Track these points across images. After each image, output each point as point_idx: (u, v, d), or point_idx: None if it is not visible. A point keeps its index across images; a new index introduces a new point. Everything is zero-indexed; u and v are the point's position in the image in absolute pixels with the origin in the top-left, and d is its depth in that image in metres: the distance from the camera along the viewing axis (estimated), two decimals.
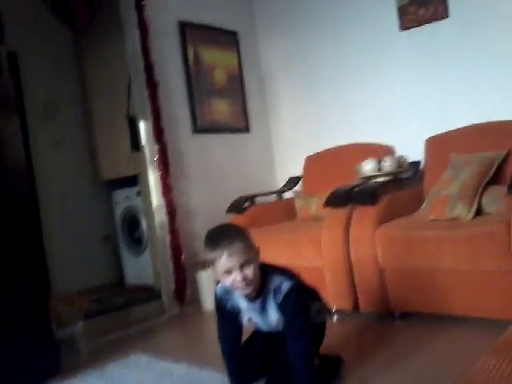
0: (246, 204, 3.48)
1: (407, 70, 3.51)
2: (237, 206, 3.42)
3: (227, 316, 1.89)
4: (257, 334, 2.00)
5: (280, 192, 3.86)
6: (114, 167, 4.49)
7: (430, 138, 3.20)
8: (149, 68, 3.45)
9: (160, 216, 3.50)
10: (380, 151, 3.34)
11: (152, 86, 3.44)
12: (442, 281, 2.41)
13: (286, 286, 1.74)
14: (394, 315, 2.62)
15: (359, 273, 2.65)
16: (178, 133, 3.68)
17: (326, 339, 1.97)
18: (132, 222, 4.48)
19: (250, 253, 1.70)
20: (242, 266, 1.66)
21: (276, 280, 1.76)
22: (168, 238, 3.48)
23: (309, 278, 2.87)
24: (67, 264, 4.30)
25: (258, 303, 1.79)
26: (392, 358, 2.13)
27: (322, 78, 3.97)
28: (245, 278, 1.67)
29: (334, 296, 2.76)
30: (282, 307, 1.75)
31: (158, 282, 3.87)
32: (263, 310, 1.80)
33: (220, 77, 4.01)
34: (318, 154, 3.81)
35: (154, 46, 3.48)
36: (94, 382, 2.22)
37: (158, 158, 3.45)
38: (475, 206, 2.52)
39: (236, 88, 4.14)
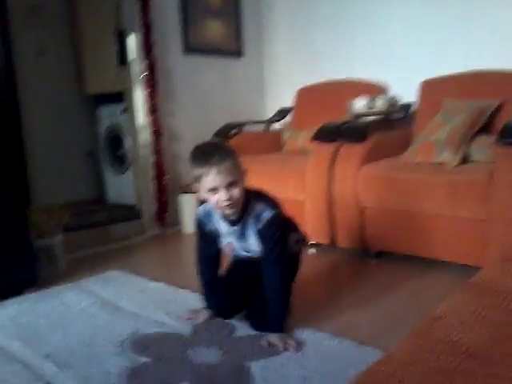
0: (234, 131, 3.44)
1: (407, 8, 3.39)
2: (224, 132, 3.38)
3: (207, 237, 1.89)
4: (236, 264, 2.01)
5: (269, 122, 3.80)
6: (100, 81, 4.34)
7: (424, 81, 3.14)
8: None
9: (144, 135, 3.45)
10: (373, 89, 3.28)
11: None
12: (420, 223, 2.45)
13: (266, 214, 1.72)
14: (370, 253, 2.68)
15: (340, 209, 2.68)
16: (169, 51, 3.55)
17: (302, 271, 2.00)
18: (115, 140, 4.41)
19: (238, 173, 1.67)
20: (228, 186, 1.63)
21: (258, 207, 1.74)
22: (151, 159, 3.44)
23: (290, 210, 2.91)
24: (48, 178, 4.24)
25: (238, 227, 1.79)
26: (365, 294, 2.19)
27: (322, 10, 3.81)
28: (230, 198, 1.64)
29: (312, 229, 2.79)
30: (261, 235, 1.75)
31: (139, 201, 3.86)
32: (242, 234, 1.80)
33: None
34: (310, 87, 3.73)
35: None
36: (70, 294, 2.25)
37: (146, 75, 3.35)
38: (461, 154, 2.52)
39: (232, 9, 3.96)
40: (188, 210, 3.41)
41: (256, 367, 1.54)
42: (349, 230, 2.68)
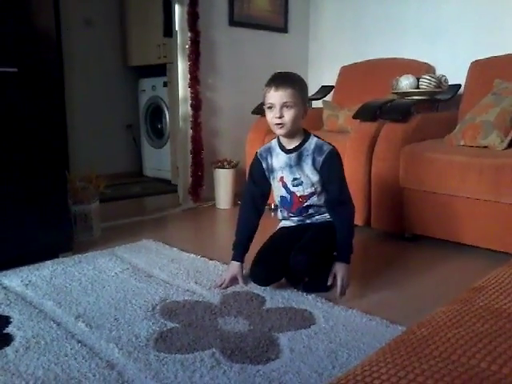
0: None
1: None
2: (262, 109, 3.31)
3: (258, 175, 1.98)
4: (281, 232, 2.04)
5: (310, 100, 3.73)
6: (144, 54, 4.37)
7: (474, 62, 3.02)
8: None
9: (184, 108, 3.45)
10: (420, 69, 3.17)
11: None
12: (460, 208, 2.36)
13: (328, 147, 1.85)
14: (404, 236, 2.61)
15: (377, 189, 2.61)
16: (214, 23, 3.52)
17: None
18: (156, 113, 4.44)
19: (297, 100, 1.77)
20: (283, 106, 1.76)
21: (318, 142, 1.87)
22: (190, 133, 3.44)
23: None
24: (87, 149, 4.31)
25: (294, 156, 1.87)
26: (397, 275, 2.14)
27: None
28: (281, 117, 1.76)
29: None
30: (325, 166, 1.84)
31: (175, 175, 3.89)
32: (298, 165, 1.87)
33: None
34: (354, 65, 3.64)
35: None
36: (104, 260, 2.28)
37: (190, 47, 3.33)
38: (510, 137, 2.41)
39: None
40: (223, 185, 3.40)
41: (284, 338, 1.52)
42: (385, 212, 2.61)
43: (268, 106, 1.81)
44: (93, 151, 4.32)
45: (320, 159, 1.84)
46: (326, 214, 1.95)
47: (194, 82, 3.37)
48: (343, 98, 3.54)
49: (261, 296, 1.86)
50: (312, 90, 3.98)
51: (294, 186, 1.91)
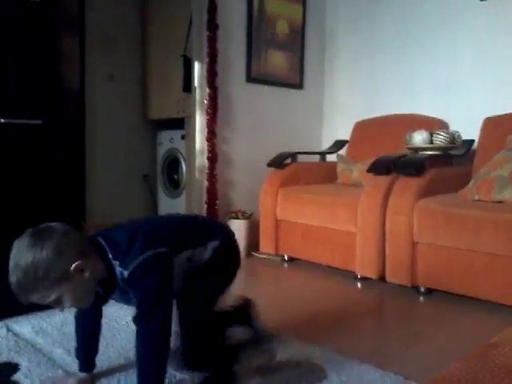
0: (288, 160, 3.44)
1: (478, 43, 3.33)
2: (278, 161, 3.39)
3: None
4: None
5: (324, 153, 3.79)
6: (163, 108, 4.50)
7: (488, 118, 3.05)
8: (212, 10, 3.39)
9: (201, 160, 3.51)
10: (433, 124, 3.21)
11: (212, 28, 3.40)
12: (475, 262, 2.33)
13: (126, 273, 1.33)
14: (419, 290, 2.57)
15: (391, 243, 2.60)
16: (231, 79, 3.64)
17: (348, 303, 1.93)
18: (172, 165, 4.52)
19: (53, 292, 1.26)
20: (53, 304, 1.29)
21: (117, 270, 1.34)
22: (205, 184, 3.49)
23: (341, 242, 2.87)
24: (104, 197, 4.38)
25: (117, 296, 1.45)
26: (412, 330, 2.10)
27: (386, 43, 3.83)
28: (68, 306, 1.33)
29: (361, 262, 2.73)
30: (132, 288, 1.37)
31: None
32: (127, 302, 1.48)
33: (282, 29, 3.91)
34: (368, 120, 3.71)
35: None
36: (115, 309, 2.23)
37: (208, 102, 3.43)
38: None
39: (296, 42, 4.04)
40: (237, 235, 3.39)
41: None
42: (399, 265, 2.58)
43: None
44: (110, 200, 4.38)
45: (129, 285, 1.36)
46: None
47: (211, 135, 3.45)
48: (357, 152, 3.59)
49: (271, 348, 1.83)
50: (326, 144, 4.05)
51: None
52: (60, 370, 1.62)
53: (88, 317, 1.57)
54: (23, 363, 1.68)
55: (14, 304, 2.12)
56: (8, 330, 1.98)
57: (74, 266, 1.25)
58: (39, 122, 2.26)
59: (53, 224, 1.32)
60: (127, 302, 1.48)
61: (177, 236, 1.47)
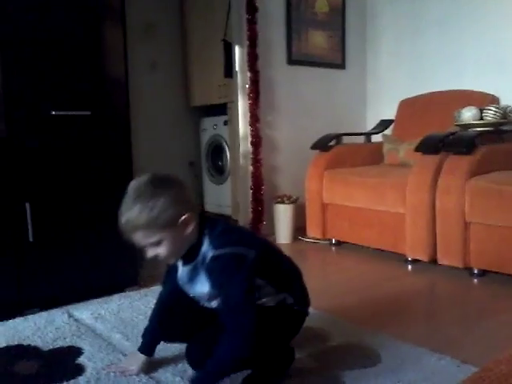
0: (332, 142, 3.41)
1: None
2: (322, 143, 3.36)
3: (172, 270, 1.57)
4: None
5: (369, 134, 3.73)
6: (205, 94, 4.52)
7: None
8: None
9: (245, 146, 3.52)
10: (483, 100, 3.11)
11: (252, 10, 3.38)
12: None
13: (209, 253, 1.36)
14: (472, 271, 2.52)
15: (442, 224, 2.55)
16: (272, 62, 3.62)
17: (399, 287, 1.90)
18: (217, 151, 4.55)
19: (158, 234, 1.31)
20: (149, 247, 1.34)
21: (205, 245, 1.38)
22: (250, 169, 3.50)
23: (389, 224, 2.83)
24: None
25: (188, 269, 1.44)
26: (466, 313, 2.06)
27: (430, 18, 3.71)
28: (158, 256, 1.35)
29: (412, 244, 2.69)
30: (209, 273, 1.37)
31: (235, 211, 3.94)
32: (191, 279, 1.45)
33: (321, 7, 3.85)
34: (414, 99, 3.62)
35: None
36: None
37: (250, 87, 3.43)
38: None
39: (336, 21, 3.97)
40: (283, 220, 3.42)
41: (350, 377, 1.49)
42: (450, 246, 2.53)
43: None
44: None
45: (206, 270, 1.38)
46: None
47: (254, 120, 3.45)
48: (403, 131, 3.51)
49: (324, 331, 1.84)
50: (371, 124, 3.98)
51: (195, 299, 1.49)
52: (120, 355, 1.68)
53: (171, 298, 1.58)
54: (85, 347, 1.75)
55: (74, 292, 2.22)
56: (69, 315, 2.07)
57: (183, 217, 1.32)
58: (88, 112, 2.31)
59: (171, 175, 1.43)
60: (191, 286, 1.46)
61: (266, 261, 1.43)
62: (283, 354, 1.52)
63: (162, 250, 1.33)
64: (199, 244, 1.38)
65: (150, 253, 1.34)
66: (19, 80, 2.13)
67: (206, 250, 1.36)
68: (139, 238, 1.31)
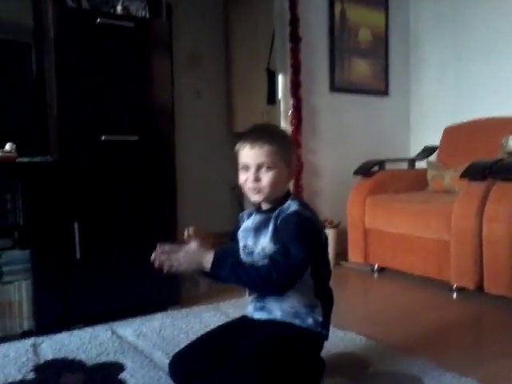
0: (375, 168, 3.39)
1: None
2: (364, 169, 3.35)
3: (233, 236, 1.66)
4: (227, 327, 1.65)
5: (413, 160, 3.69)
6: (248, 121, 4.59)
7: None
8: (294, 22, 3.44)
9: None
10: None
11: (295, 40, 3.45)
12: None
13: (293, 209, 1.42)
14: None
15: (490, 251, 2.47)
16: (315, 90, 3.66)
17: (445, 317, 1.83)
18: None
19: (277, 160, 1.43)
20: (259, 168, 1.42)
21: (289, 202, 1.46)
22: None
23: (433, 251, 2.78)
24: (195, 209, 4.51)
25: (260, 218, 1.51)
26: (510, 348, 1.98)
27: (474, 45, 3.68)
28: (256, 180, 1.42)
29: (457, 272, 2.62)
30: (281, 225, 1.41)
31: None
32: (257, 228, 1.50)
33: (364, 36, 3.89)
34: (459, 125, 3.57)
35: (301, 1, 3.46)
36: (209, 315, 2.35)
37: (292, 113, 3.47)
38: None
39: (379, 49, 3.99)
40: (329, 244, 3.39)
41: None
42: (499, 274, 2.45)
43: (242, 166, 1.48)
44: (200, 212, 4.51)
45: (278, 222, 1.43)
46: (291, 309, 1.46)
47: (297, 145, 3.47)
48: (448, 158, 3.46)
49: (365, 357, 1.81)
50: (414, 151, 3.95)
51: (244, 254, 1.53)
52: (161, 372, 1.70)
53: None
54: (128, 364, 1.78)
55: (118, 309, 2.27)
56: (113, 332, 2.12)
57: (293, 165, 1.51)
58: (136, 137, 2.40)
59: None
60: (252, 234, 1.51)
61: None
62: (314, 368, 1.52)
63: (266, 177, 1.43)
64: (284, 200, 1.47)
65: (252, 175, 1.43)
66: (73, 107, 2.24)
67: (290, 204, 1.44)
68: (263, 151, 1.42)
